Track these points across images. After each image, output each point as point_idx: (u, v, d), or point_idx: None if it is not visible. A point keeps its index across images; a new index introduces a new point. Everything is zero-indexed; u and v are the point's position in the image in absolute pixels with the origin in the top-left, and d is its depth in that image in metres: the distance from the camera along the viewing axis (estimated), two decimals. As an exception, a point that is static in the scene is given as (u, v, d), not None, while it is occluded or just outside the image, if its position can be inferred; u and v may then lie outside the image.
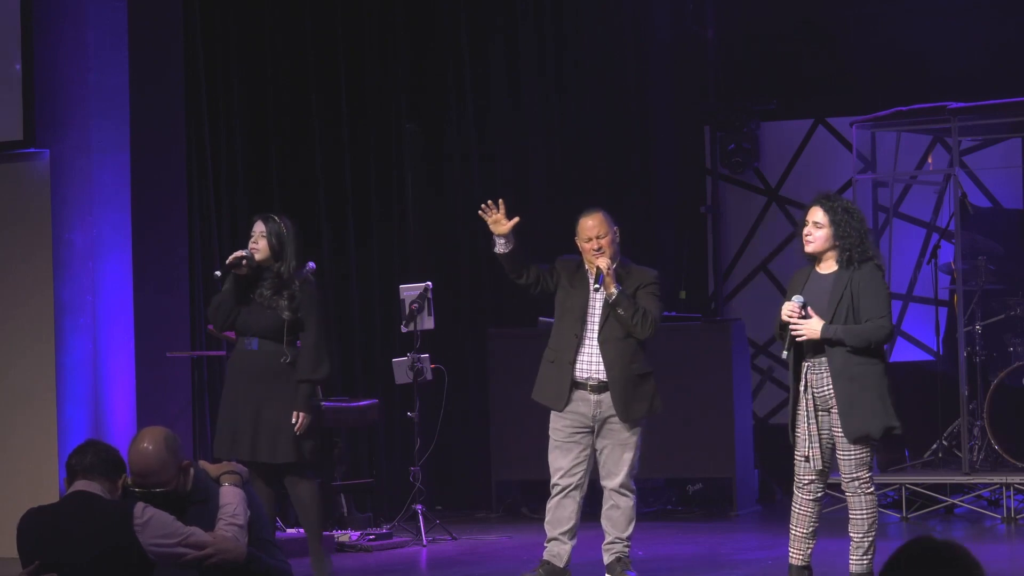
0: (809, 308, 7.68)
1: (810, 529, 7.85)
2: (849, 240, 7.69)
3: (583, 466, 8.39)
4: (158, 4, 10.55)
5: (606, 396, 8.34)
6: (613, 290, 8.30)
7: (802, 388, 7.72)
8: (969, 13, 13.08)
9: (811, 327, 7.60)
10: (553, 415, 8.46)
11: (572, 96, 13.48)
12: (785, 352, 7.73)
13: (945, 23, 13.05)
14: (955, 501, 11.25)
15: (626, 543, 8.44)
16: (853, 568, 7.80)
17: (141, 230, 10.27)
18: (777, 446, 10.61)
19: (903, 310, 13.23)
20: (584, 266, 8.44)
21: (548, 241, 10.58)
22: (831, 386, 7.66)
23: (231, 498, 5.77)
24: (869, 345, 7.65)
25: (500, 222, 8.37)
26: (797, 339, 7.65)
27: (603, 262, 8.31)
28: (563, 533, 8.41)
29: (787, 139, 13.94)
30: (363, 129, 12.30)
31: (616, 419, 8.33)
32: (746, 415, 12.06)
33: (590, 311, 8.40)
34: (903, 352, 13.10)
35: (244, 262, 8.52)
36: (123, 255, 10.21)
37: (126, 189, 10.24)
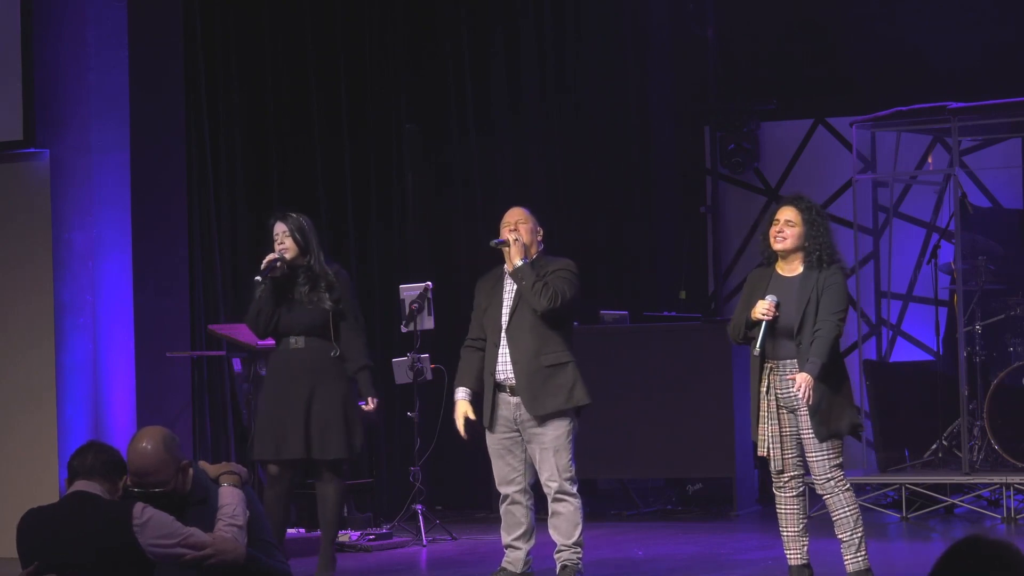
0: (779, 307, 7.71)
1: (800, 527, 7.85)
2: (818, 241, 7.73)
3: (520, 469, 8.34)
4: (158, 4, 10.56)
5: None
6: (517, 262, 8.23)
7: (764, 389, 7.73)
8: (969, 13, 13.08)
9: (805, 380, 7.52)
10: None
11: (572, 96, 13.47)
12: (757, 351, 7.70)
13: (945, 23, 13.04)
14: (955, 501, 11.23)
15: (574, 549, 8.28)
16: (850, 568, 7.80)
17: (141, 230, 10.27)
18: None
19: (903, 310, 13.22)
20: (501, 275, 8.37)
21: (547, 241, 10.55)
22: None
23: (230, 498, 5.77)
24: (834, 345, 7.64)
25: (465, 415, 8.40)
26: (800, 396, 7.56)
27: (511, 235, 8.26)
28: (516, 539, 8.39)
29: (787, 139, 13.94)
30: (363, 129, 12.30)
31: (534, 421, 8.21)
32: (746, 415, 12.02)
33: (504, 312, 8.31)
34: (903, 352, 13.09)
35: (279, 264, 8.53)
36: (123, 255, 10.22)
37: (126, 189, 10.24)
